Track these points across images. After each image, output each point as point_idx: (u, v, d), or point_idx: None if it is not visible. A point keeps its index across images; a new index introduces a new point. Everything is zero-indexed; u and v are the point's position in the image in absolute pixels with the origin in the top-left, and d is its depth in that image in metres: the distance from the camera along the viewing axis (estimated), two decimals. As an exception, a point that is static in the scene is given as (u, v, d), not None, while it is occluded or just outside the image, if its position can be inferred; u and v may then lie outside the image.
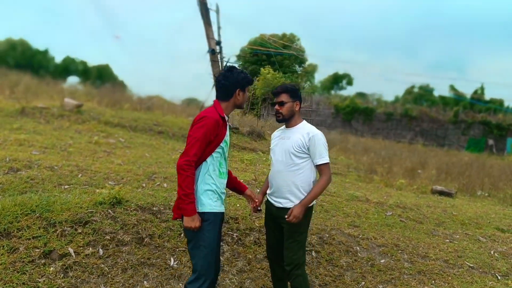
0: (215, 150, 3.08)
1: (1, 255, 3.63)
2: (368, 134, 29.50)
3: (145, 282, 3.85)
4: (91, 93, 12.97)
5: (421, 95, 37.63)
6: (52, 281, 3.54)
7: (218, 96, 3.20)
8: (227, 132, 3.19)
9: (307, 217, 3.49)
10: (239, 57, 48.01)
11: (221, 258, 4.39)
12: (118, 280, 3.78)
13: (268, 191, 3.65)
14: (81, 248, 3.96)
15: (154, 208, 4.79)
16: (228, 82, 3.15)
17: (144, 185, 5.58)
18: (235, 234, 4.76)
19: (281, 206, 3.47)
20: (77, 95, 12.86)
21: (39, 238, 3.90)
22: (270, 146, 3.71)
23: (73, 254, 3.87)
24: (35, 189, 4.81)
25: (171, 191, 5.51)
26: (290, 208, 3.38)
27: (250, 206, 3.56)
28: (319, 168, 3.44)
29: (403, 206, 7.16)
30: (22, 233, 3.89)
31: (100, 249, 4.02)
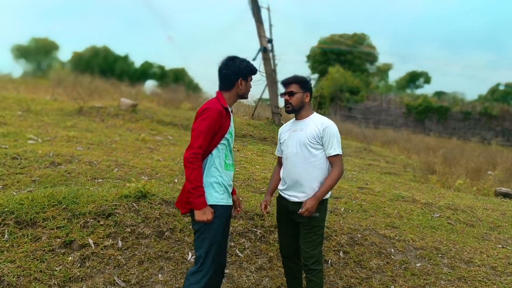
0: (220, 142, 3.01)
1: (24, 243, 3.79)
2: (442, 134, 28.08)
3: (159, 275, 3.86)
4: (156, 94, 13.42)
5: (507, 93, 35.31)
6: (68, 270, 3.64)
7: (220, 87, 3.13)
8: (231, 123, 3.10)
9: (323, 211, 3.34)
10: (309, 57, 47.61)
11: (240, 255, 4.32)
12: (133, 272, 3.82)
13: (280, 187, 3.51)
14: (101, 239, 4.06)
15: (179, 203, 4.81)
16: (230, 71, 3.07)
17: (176, 180, 5.63)
18: (259, 231, 4.66)
19: (298, 200, 3.33)
20: (141, 96, 13.37)
21: (62, 228, 4.04)
22: (280, 140, 3.57)
23: (92, 245, 3.97)
24: (69, 182, 5.01)
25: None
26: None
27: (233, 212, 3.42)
28: (331, 159, 3.29)
29: (454, 207, 6.66)
30: (47, 223, 4.05)
31: (120, 241, 4.10)
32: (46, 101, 10.14)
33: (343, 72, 42.55)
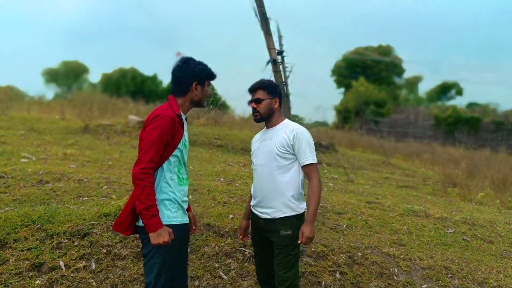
0: (172, 154, 2.68)
1: (-9, 266, 3.56)
2: (473, 146, 27.07)
3: (132, 300, 3.57)
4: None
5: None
6: (34, 295, 3.40)
7: (173, 91, 2.82)
8: (185, 133, 2.79)
9: (297, 227, 2.96)
10: (333, 71, 47.24)
11: (224, 277, 3.99)
12: (103, 297, 3.54)
13: (252, 203, 3.19)
14: (73, 261, 3.79)
15: (163, 221, 4.53)
16: (183, 74, 2.76)
17: (166, 197, 5.35)
18: (247, 251, 4.31)
19: (269, 217, 3.00)
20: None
21: (32, 249, 3.80)
22: (252, 151, 3.25)
23: (63, 267, 3.71)
24: (52, 201, 4.80)
25: (193, 203, 5.22)
26: (279, 218, 2.94)
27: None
28: (306, 170, 2.95)
29: (472, 222, 6.14)
30: (17, 245, 3.82)
31: (93, 263, 3.82)
32: (52, 120, 10.11)
33: (367, 85, 42.01)
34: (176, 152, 2.70)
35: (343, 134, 19.43)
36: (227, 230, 4.57)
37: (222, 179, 6.79)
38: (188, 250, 3.17)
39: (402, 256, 4.63)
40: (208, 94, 2.88)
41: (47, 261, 3.72)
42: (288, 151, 2.94)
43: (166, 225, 2.61)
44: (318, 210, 5.66)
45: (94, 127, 9.50)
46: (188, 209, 2.97)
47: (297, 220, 2.94)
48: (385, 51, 45.54)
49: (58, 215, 4.23)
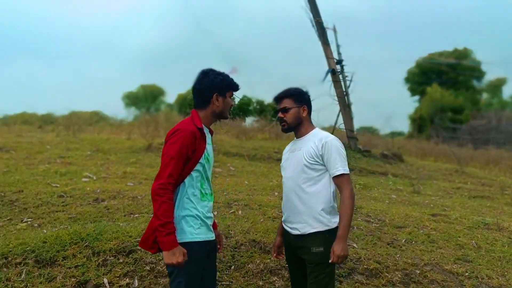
0: (194, 169, 2.59)
1: (40, 283, 3.66)
2: None
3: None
4: (230, 126, 13.47)
5: None
6: (77, 312, 3.44)
7: (195, 105, 2.74)
8: (208, 146, 2.69)
9: (330, 243, 2.73)
10: (407, 79, 45.80)
11: (269, 295, 3.82)
12: (143, 315, 3.51)
13: (283, 218, 3.02)
14: (117, 278, 3.81)
15: (208, 237, 4.46)
16: (203, 86, 2.67)
17: (215, 212, 5.29)
18: (294, 267, 4.11)
19: (298, 233, 2.82)
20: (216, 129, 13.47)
21: (79, 267, 3.87)
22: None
23: (107, 284, 3.73)
24: (104, 218, 4.91)
25: (242, 219, 5.12)
26: (310, 234, 2.75)
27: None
28: (337, 181, 2.74)
29: (554, 236, 5.47)
30: (66, 262, 3.91)
31: (136, 280, 3.82)
32: (119, 140, 10.55)
33: (442, 91, 40.04)
34: (198, 167, 2.60)
35: (414, 143, 18.51)
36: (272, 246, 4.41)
37: (276, 193, 6.64)
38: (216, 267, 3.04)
39: (467, 274, 4.20)
40: (231, 104, 2.78)
41: (92, 278, 3.76)
42: (317, 161, 2.75)
43: (187, 242, 2.53)
44: (375, 224, 5.37)
45: (157, 146, 9.77)
46: (214, 227, 2.86)
47: (329, 235, 2.72)
48: (462, 54, 43.25)
49: (106, 233, 4.31)
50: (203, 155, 2.62)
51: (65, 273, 3.80)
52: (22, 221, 4.81)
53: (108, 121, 17.51)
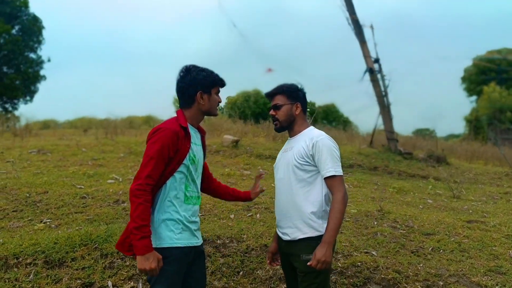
0: (177, 170, 2.46)
1: (46, 284, 3.67)
2: None
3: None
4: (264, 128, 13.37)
5: None
6: (78, 315, 3.41)
7: (180, 104, 2.62)
8: (193, 146, 2.55)
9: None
10: (463, 78, 44.17)
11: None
12: (144, 320, 3.43)
13: (276, 222, 2.83)
14: (122, 281, 3.76)
15: (218, 241, 4.34)
16: (185, 84, 2.54)
17: (232, 216, 5.16)
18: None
19: (288, 238, 2.64)
20: (251, 131, 13.42)
21: (86, 269, 3.85)
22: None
23: (111, 287, 3.70)
24: (120, 220, 4.90)
25: (259, 222, 4.96)
26: (299, 240, 2.56)
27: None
28: (328, 183, 2.53)
29: None
30: (74, 264, 3.91)
31: (141, 284, 3.76)
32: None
33: (501, 91, 37.98)
34: (181, 168, 2.47)
35: (464, 146, 17.55)
36: (285, 252, 4.22)
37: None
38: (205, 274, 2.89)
39: (497, 287, 3.82)
40: (218, 101, 2.63)
41: (97, 280, 3.73)
42: (307, 162, 2.56)
43: (166, 248, 2.40)
44: (401, 230, 5.04)
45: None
46: (247, 193, 2.99)
47: (318, 243, 2.51)
48: (523, 51, 40.94)
49: (116, 234, 4.27)
50: (187, 156, 2.49)
51: (71, 274, 3.79)
52: (41, 221, 4.88)
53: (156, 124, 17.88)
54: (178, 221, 2.47)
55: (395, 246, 4.58)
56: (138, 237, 2.27)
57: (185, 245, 2.49)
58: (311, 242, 2.52)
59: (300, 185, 2.58)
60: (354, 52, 10.80)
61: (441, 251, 4.59)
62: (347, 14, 10.57)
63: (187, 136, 2.50)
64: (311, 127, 2.75)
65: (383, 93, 10.71)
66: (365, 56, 10.68)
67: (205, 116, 2.76)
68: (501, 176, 11.06)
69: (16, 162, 7.46)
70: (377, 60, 10.85)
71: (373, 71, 10.60)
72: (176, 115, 2.58)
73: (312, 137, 2.59)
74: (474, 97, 42.03)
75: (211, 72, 2.59)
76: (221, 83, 2.63)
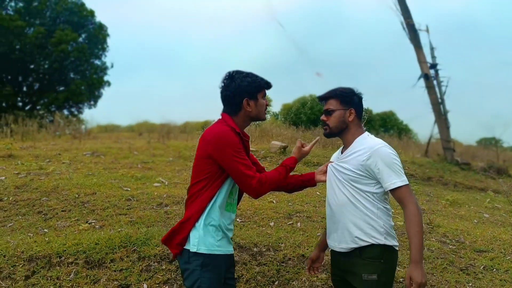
0: (228, 177, 2.47)
1: (85, 284, 3.77)
2: None
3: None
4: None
5: None
6: (112, 316, 3.46)
7: (227, 111, 2.58)
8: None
9: (385, 270, 2.41)
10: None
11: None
12: (176, 325, 3.42)
13: (327, 235, 2.70)
14: (157, 285, 3.80)
15: (255, 249, 4.27)
16: (230, 92, 2.51)
17: (272, 223, 5.08)
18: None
19: (342, 250, 2.51)
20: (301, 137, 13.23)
21: (124, 271, 3.92)
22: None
23: (146, 290, 3.74)
24: (161, 223, 4.96)
25: (298, 231, 4.85)
26: (358, 248, 2.42)
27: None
28: (396, 195, 2.37)
29: None
30: (113, 265, 3.99)
31: (175, 289, 3.77)
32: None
33: None
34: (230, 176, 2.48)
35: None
36: (323, 263, 4.08)
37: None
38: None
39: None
40: (265, 105, 2.59)
41: (133, 283, 3.78)
42: (363, 174, 2.42)
43: (207, 254, 2.38)
44: (451, 246, 4.75)
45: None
46: (311, 174, 2.90)
47: (382, 260, 2.38)
48: None
49: (154, 238, 4.32)
50: None
51: (109, 275, 3.87)
52: (86, 222, 5.03)
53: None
54: (218, 228, 2.45)
55: (443, 262, 4.31)
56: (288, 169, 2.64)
57: (224, 253, 2.47)
58: (374, 262, 2.39)
59: (357, 197, 2.44)
60: (409, 57, 10.39)
61: (494, 270, 4.27)
62: (402, 18, 10.24)
63: (242, 143, 2.49)
64: (366, 134, 2.58)
65: (440, 100, 10.23)
66: (420, 62, 10.26)
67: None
68: None
69: (71, 164, 7.81)
70: (433, 66, 10.40)
71: (429, 77, 10.16)
72: (223, 120, 2.55)
73: (369, 146, 2.44)
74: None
75: (255, 77, 2.54)
76: (267, 85, 2.59)
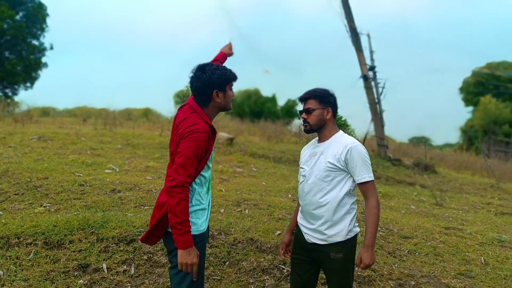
0: (204, 167, 2.65)
1: (45, 263, 3.93)
2: None
3: (161, 308, 3.68)
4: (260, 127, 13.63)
5: None
6: (74, 293, 3.68)
7: (197, 102, 2.74)
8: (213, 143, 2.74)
9: (349, 250, 2.81)
10: (461, 89, 44.58)
11: (256, 293, 3.92)
12: (135, 301, 3.70)
13: (298, 219, 3.02)
14: (116, 265, 4.03)
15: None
16: (200, 84, 2.66)
17: (222, 210, 5.44)
18: (286, 268, 4.20)
19: (313, 241, 2.83)
20: (247, 130, 13.67)
21: (82, 251, 4.12)
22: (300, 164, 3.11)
23: (105, 269, 3.95)
24: (116, 208, 5.17)
25: (247, 217, 5.24)
26: (325, 239, 2.77)
27: None
28: (362, 188, 2.75)
29: None
30: (71, 246, 4.17)
31: (133, 268, 4.03)
32: (151, 136, 10.91)
33: (497, 103, 38.36)
34: (206, 167, 2.67)
35: (454, 156, 17.94)
36: (269, 246, 4.51)
37: (290, 195, 6.71)
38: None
39: (464, 289, 4.12)
40: (232, 96, 2.79)
41: (92, 262, 3.99)
42: (339, 167, 2.74)
43: (197, 235, 2.59)
44: (381, 232, 5.34)
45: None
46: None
47: (348, 242, 2.77)
48: (521, 65, 41.28)
49: (112, 221, 4.54)
50: (211, 153, 2.70)
51: (69, 256, 4.06)
52: (41, 205, 5.14)
53: (156, 118, 18.21)
54: (204, 210, 2.70)
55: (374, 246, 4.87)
56: (182, 232, 2.39)
57: (205, 228, 2.73)
58: (341, 243, 2.75)
59: (329, 187, 2.75)
60: (352, 58, 11.08)
61: (417, 253, 4.89)
62: (345, 22, 10.88)
63: (213, 135, 2.68)
64: (341, 132, 2.91)
65: (376, 100, 11.03)
66: (360, 64, 10.98)
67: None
68: (486, 187, 11.40)
69: (18, 148, 7.73)
70: (372, 68, 11.17)
71: (368, 78, 10.91)
72: (195, 112, 2.68)
73: (346, 143, 2.76)
74: (471, 108, 42.48)
75: (225, 69, 2.72)
76: (235, 78, 2.77)
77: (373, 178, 2.73)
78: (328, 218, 2.75)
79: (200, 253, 2.55)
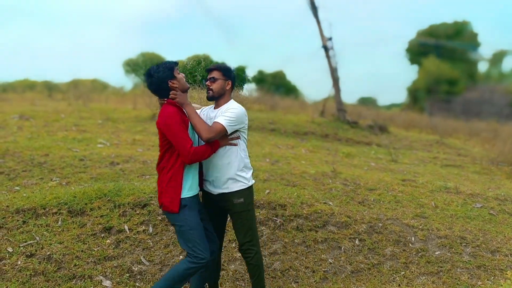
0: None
1: (73, 228, 4.57)
2: None
3: (181, 256, 4.44)
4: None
5: None
6: (105, 250, 4.34)
7: (166, 97, 3.22)
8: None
9: (248, 195, 3.42)
10: (407, 50, 46.19)
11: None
12: (158, 254, 4.43)
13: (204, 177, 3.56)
14: (135, 226, 4.72)
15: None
16: (154, 85, 3.18)
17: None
18: (278, 219, 5.04)
19: (223, 191, 3.39)
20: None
21: (104, 216, 4.77)
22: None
23: (127, 230, 4.65)
24: (120, 179, 5.80)
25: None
26: (229, 192, 3.36)
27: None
28: (213, 124, 3.18)
29: (504, 198, 6.43)
30: (93, 212, 4.81)
31: (151, 227, 4.74)
32: (126, 110, 11.35)
33: (439, 63, 40.43)
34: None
35: (403, 116, 19.42)
36: (262, 202, 5.33)
37: (268, 160, 7.53)
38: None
39: (421, 227, 5.14)
40: (182, 77, 3.26)
41: (115, 225, 4.67)
42: None
43: (183, 198, 3.22)
44: (350, 187, 6.29)
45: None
46: None
47: (246, 190, 3.39)
48: (461, 27, 43.32)
49: (124, 190, 5.19)
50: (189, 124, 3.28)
51: (93, 221, 4.71)
52: (52, 180, 5.68)
53: (110, 89, 18.21)
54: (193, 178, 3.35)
55: (346, 198, 5.82)
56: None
57: (194, 194, 3.34)
58: (239, 190, 3.39)
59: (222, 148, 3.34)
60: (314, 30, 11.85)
61: (381, 202, 5.89)
62: (306, -6, 11.59)
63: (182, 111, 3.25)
64: (232, 100, 3.42)
65: (334, 69, 11.93)
66: (321, 35, 11.78)
67: None
68: (432, 143, 12.74)
69: (6, 128, 8.06)
70: (330, 39, 12.01)
71: (327, 49, 11.75)
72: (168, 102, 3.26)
73: (229, 107, 3.27)
74: (416, 67, 44.34)
75: (164, 63, 3.20)
76: (175, 63, 3.28)
77: (225, 126, 3.14)
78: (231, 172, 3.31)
79: (192, 215, 3.22)
